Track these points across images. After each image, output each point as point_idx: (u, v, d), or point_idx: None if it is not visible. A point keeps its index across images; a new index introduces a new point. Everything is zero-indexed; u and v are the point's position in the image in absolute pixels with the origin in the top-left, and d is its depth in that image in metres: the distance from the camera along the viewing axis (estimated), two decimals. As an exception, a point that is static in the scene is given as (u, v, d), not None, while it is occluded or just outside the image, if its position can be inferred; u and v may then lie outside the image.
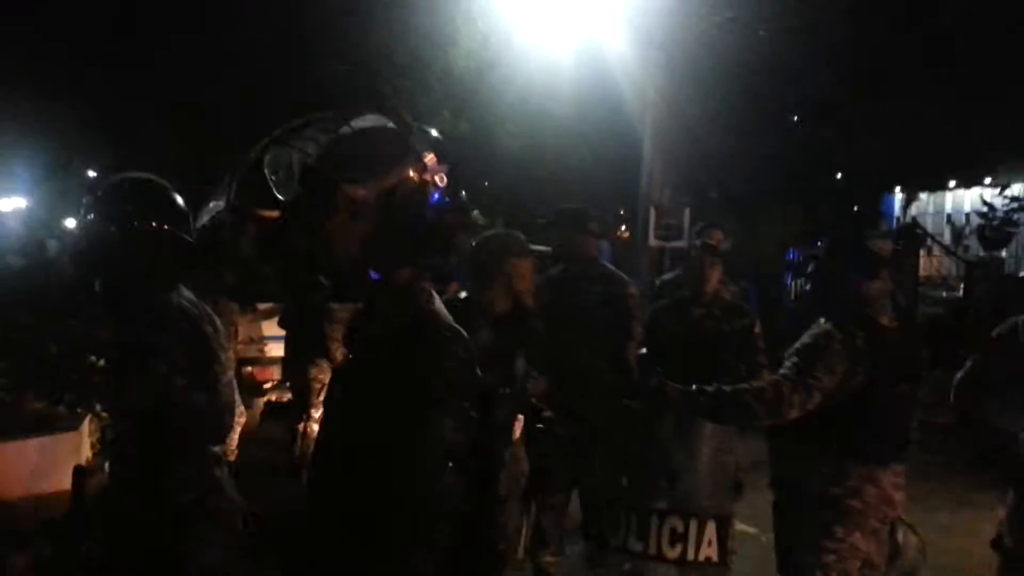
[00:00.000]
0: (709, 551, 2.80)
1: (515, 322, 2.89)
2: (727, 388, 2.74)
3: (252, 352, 6.88)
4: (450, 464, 1.44)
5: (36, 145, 15.69)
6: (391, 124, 1.57)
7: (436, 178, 1.51)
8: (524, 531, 3.89)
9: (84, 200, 2.42)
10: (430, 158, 1.52)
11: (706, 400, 2.72)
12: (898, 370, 2.80)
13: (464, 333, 1.53)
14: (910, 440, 2.91)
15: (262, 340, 6.98)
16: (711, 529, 2.81)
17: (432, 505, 1.41)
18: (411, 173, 1.50)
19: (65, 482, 3.46)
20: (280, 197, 1.70)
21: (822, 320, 2.86)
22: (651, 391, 2.81)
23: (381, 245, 1.51)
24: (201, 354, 2.27)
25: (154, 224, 2.33)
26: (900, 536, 2.98)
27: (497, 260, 2.90)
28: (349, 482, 1.48)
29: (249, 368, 6.69)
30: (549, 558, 3.74)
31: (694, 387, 2.75)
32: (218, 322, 2.42)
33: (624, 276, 3.97)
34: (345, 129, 1.58)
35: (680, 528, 2.79)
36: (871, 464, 2.76)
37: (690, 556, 2.79)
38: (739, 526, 4.31)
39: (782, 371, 2.79)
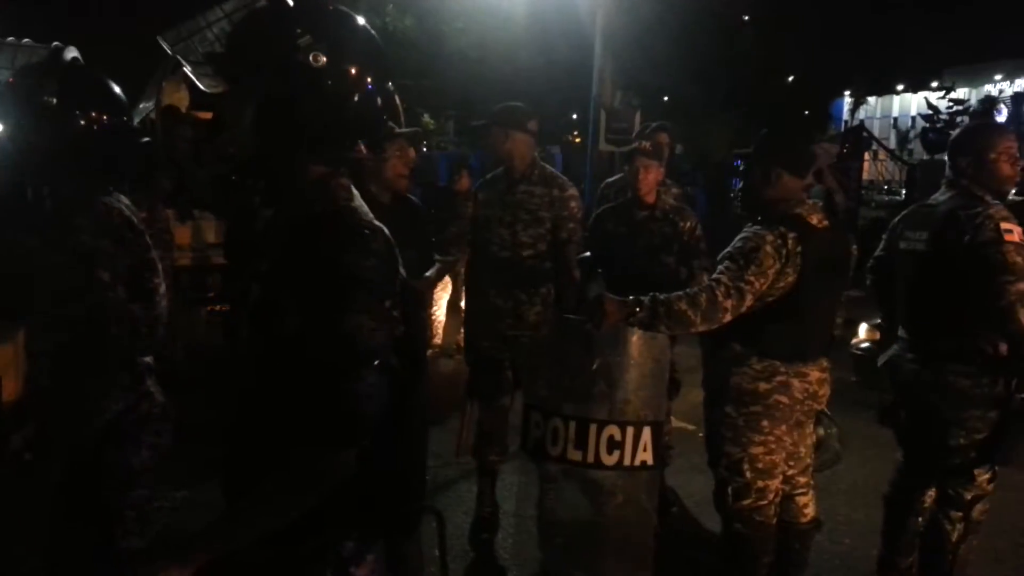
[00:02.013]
0: (645, 455, 2.86)
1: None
2: (661, 297, 2.77)
3: (193, 260, 6.73)
4: (373, 364, 1.42)
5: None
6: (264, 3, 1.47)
7: (311, 59, 1.42)
8: (465, 431, 3.98)
9: (6, 90, 2.23)
10: (304, 39, 1.41)
11: (642, 311, 2.74)
12: (827, 269, 2.85)
13: (385, 230, 1.49)
14: (834, 336, 3.00)
15: (203, 248, 6.83)
16: (647, 434, 2.87)
17: (354, 406, 1.40)
18: (290, 57, 1.41)
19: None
20: (206, 90, 1.64)
21: (752, 221, 2.88)
22: (590, 303, 2.83)
23: (279, 137, 1.46)
24: (141, 264, 2.19)
25: (92, 115, 2.15)
26: (822, 429, 3.10)
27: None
28: (269, 384, 1.47)
29: (190, 276, 6.56)
30: (493, 457, 3.83)
31: (630, 298, 2.78)
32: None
33: (565, 178, 3.92)
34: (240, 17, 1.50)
35: (617, 436, 2.83)
36: (797, 362, 2.85)
37: (627, 462, 2.85)
38: (677, 423, 4.48)
39: (715, 275, 2.82)
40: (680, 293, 2.81)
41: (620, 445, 2.84)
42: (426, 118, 15.61)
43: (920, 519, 3.22)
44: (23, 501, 2.35)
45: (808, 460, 3.01)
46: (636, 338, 2.88)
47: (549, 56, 13.45)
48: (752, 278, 2.74)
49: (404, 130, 3.49)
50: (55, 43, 2.23)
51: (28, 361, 2.34)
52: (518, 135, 3.71)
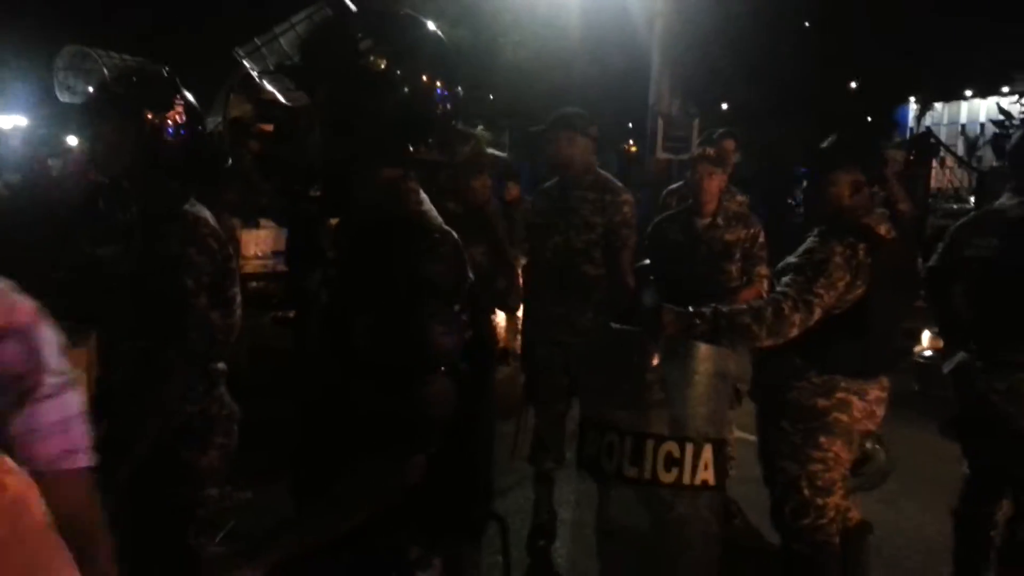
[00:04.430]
0: (706, 475, 2.69)
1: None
2: (724, 309, 2.69)
3: (256, 267, 6.90)
4: (442, 369, 1.43)
5: (36, 61, 15.36)
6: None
7: (372, 63, 1.43)
8: (520, 436, 3.97)
9: (91, 99, 2.27)
10: (365, 43, 1.43)
11: (703, 323, 2.66)
12: (896, 282, 2.75)
13: (455, 234, 1.50)
14: (898, 353, 2.90)
15: (266, 256, 6.99)
16: (708, 453, 2.70)
17: (422, 412, 1.41)
18: (353, 62, 1.43)
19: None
20: (287, 103, 1.67)
21: (817, 231, 2.80)
22: (646, 313, 2.77)
23: (348, 141, 1.48)
24: (222, 273, 2.24)
25: (186, 127, 2.18)
26: (868, 444, 2.98)
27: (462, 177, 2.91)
28: (338, 387, 1.48)
29: (255, 283, 6.71)
30: (550, 464, 3.81)
31: (690, 309, 2.71)
32: None
33: (619, 183, 3.89)
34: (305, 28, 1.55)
35: (676, 452, 2.68)
36: (860, 378, 2.74)
37: (686, 480, 2.69)
38: (738, 434, 4.40)
39: (781, 288, 2.73)
40: (743, 306, 2.73)
41: (679, 463, 2.71)
42: (480, 128, 15.69)
43: (994, 533, 3.10)
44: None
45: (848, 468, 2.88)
46: (698, 350, 2.80)
47: (604, 65, 13.41)
48: (821, 291, 2.65)
49: (495, 152, 3.53)
50: (155, 62, 2.30)
51: (100, 364, 2.41)
52: (579, 139, 3.71)
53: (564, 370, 3.73)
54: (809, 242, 2.78)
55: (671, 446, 2.72)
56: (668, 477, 2.72)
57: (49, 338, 1.02)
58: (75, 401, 1.03)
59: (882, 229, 2.75)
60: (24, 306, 1.01)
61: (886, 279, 2.71)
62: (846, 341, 2.72)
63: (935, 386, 3.51)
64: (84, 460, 1.02)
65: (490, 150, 3.45)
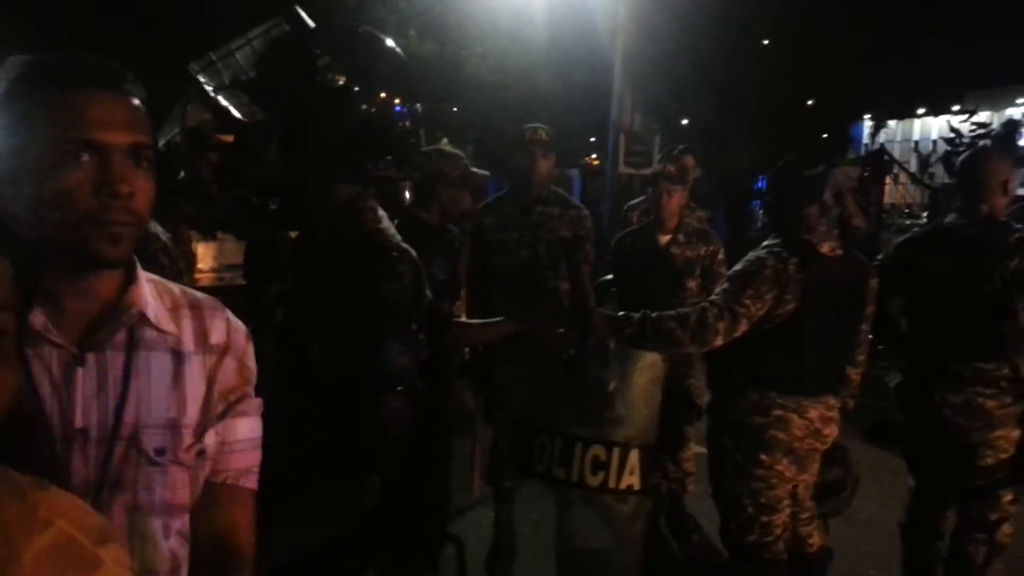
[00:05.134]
0: (631, 479, 2.65)
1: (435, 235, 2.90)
2: (652, 314, 2.69)
3: (213, 281, 6.77)
4: (398, 389, 1.41)
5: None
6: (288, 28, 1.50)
7: (329, 79, 1.42)
8: (479, 458, 3.94)
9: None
10: (323, 60, 1.42)
11: (631, 327, 2.66)
12: (835, 300, 2.73)
13: (412, 252, 1.49)
14: (844, 374, 2.87)
15: (224, 269, 6.86)
16: (634, 457, 2.67)
17: (378, 432, 1.39)
18: (310, 78, 1.42)
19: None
20: (241, 118, 1.65)
21: (763, 244, 2.82)
22: (577, 317, 2.76)
23: (304, 158, 1.46)
24: None
25: None
26: (839, 470, 2.99)
27: (433, 183, 2.92)
28: (294, 406, 1.46)
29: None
30: (509, 483, 3.77)
31: (621, 314, 2.71)
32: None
33: (574, 200, 3.93)
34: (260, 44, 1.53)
35: (603, 456, 2.66)
36: (797, 395, 2.71)
37: (611, 484, 2.66)
38: (696, 448, 4.43)
39: (712, 297, 2.75)
40: (671, 312, 2.73)
41: (605, 466, 2.68)
42: (445, 142, 15.69)
43: (940, 544, 3.15)
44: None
45: (808, 492, 2.89)
46: (630, 356, 2.73)
47: (567, 79, 13.52)
48: (748, 302, 2.64)
49: (478, 171, 3.49)
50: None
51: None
52: (551, 155, 3.72)
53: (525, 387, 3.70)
54: (748, 254, 2.80)
55: (598, 449, 2.68)
56: (594, 480, 2.69)
57: (254, 360, 1.09)
58: (260, 425, 1.09)
59: (825, 247, 2.73)
60: (241, 328, 1.09)
61: (823, 297, 2.69)
62: (779, 356, 2.70)
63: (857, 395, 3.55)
64: (255, 483, 1.07)
65: (472, 169, 3.44)
